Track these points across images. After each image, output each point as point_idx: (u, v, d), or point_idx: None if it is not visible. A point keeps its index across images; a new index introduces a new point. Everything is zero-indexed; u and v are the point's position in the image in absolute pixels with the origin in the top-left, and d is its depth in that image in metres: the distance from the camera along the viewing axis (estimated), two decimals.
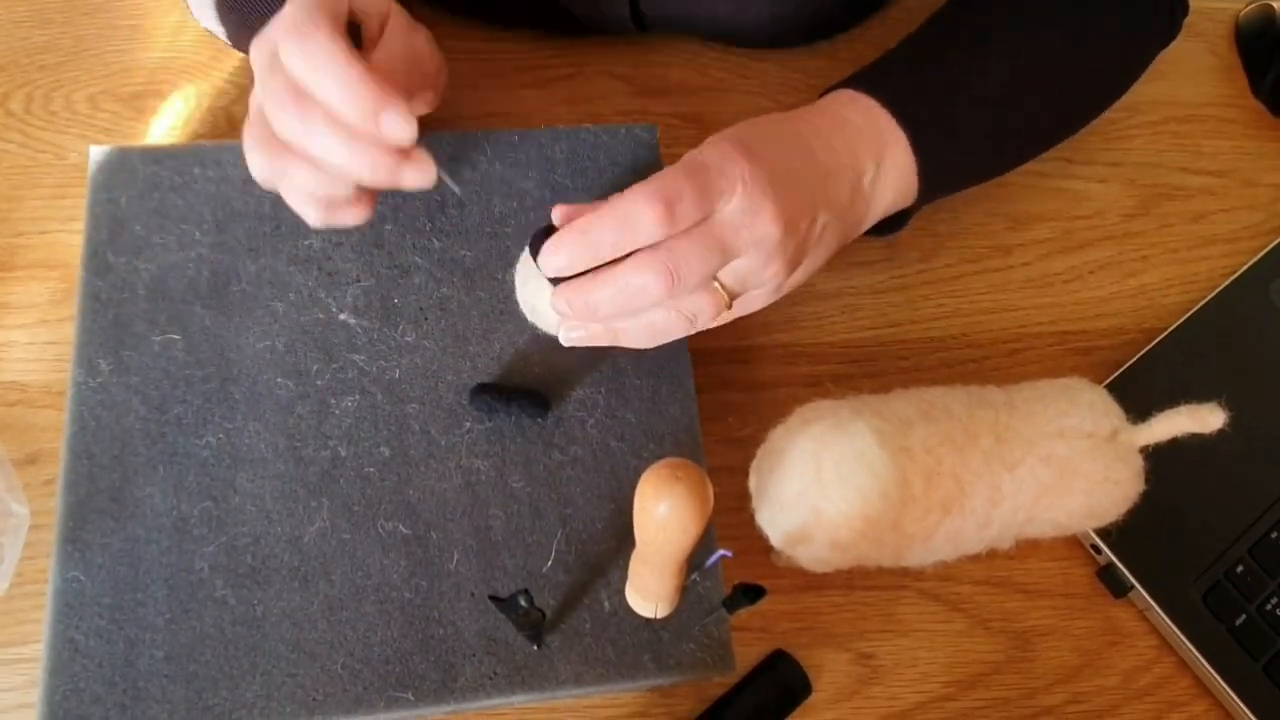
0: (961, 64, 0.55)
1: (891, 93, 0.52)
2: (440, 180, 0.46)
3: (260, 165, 0.46)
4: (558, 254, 0.44)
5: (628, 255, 0.44)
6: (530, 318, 0.53)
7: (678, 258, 0.43)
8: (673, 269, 0.43)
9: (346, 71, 0.42)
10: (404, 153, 0.45)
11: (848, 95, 0.52)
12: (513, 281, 0.54)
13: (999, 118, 0.56)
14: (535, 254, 0.45)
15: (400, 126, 0.43)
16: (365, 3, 0.47)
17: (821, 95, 0.54)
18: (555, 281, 0.46)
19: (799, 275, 0.49)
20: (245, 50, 0.57)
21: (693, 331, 0.48)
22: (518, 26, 0.66)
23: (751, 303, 0.49)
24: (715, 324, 0.48)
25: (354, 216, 0.48)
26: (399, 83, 0.46)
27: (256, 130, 0.46)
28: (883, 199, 0.52)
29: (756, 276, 0.47)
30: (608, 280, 0.44)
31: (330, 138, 0.43)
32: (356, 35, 0.46)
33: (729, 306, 0.47)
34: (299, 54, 0.42)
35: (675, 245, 0.43)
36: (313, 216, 0.48)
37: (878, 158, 0.51)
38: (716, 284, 0.46)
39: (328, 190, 0.46)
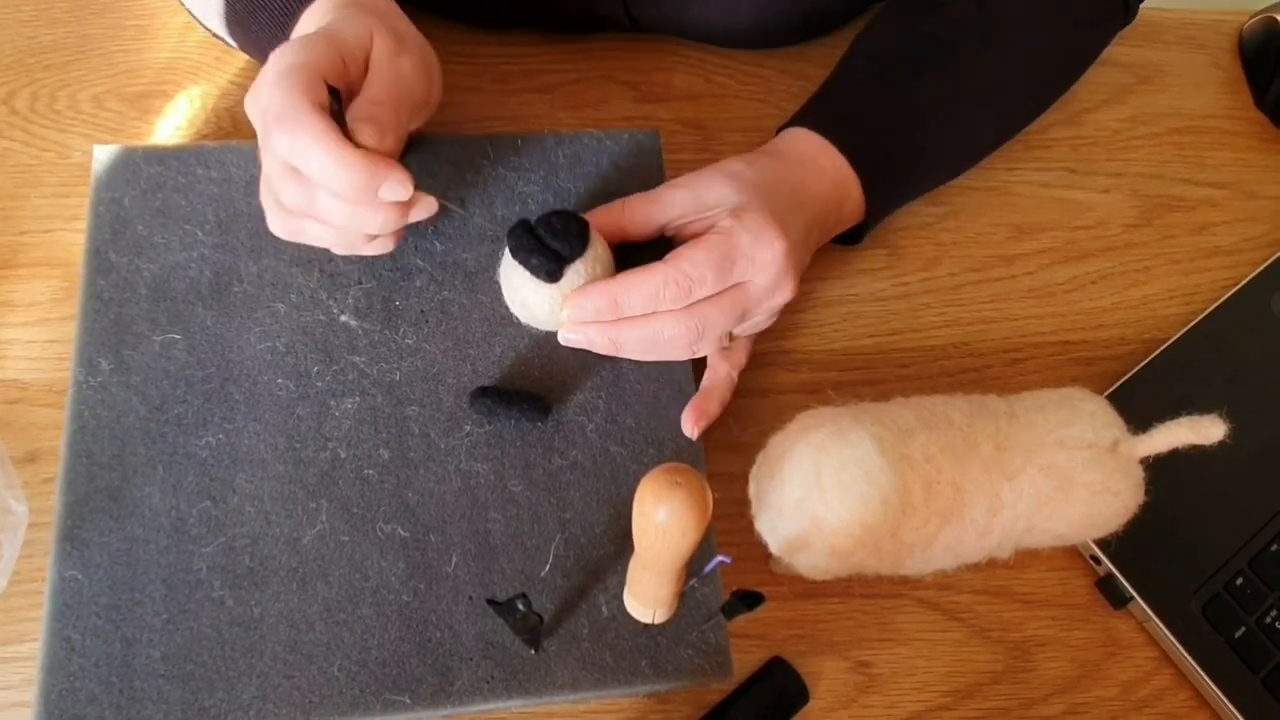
0: (908, 99, 0.59)
1: (847, 140, 0.57)
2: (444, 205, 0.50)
3: (279, 226, 0.49)
4: (585, 305, 0.50)
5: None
6: (518, 313, 0.53)
7: (705, 321, 0.50)
8: (699, 328, 0.50)
9: (336, 159, 0.44)
10: (405, 203, 0.47)
11: (815, 140, 0.57)
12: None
13: (943, 147, 0.61)
14: (515, 253, 0.49)
15: (398, 191, 0.45)
16: (346, 41, 0.47)
17: (781, 130, 0.59)
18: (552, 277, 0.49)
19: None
20: (254, 56, 0.57)
21: (693, 358, 0.54)
22: (511, 28, 0.66)
23: (747, 343, 0.57)
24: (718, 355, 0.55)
25: (378, 248, 0.51)
26: (390, 119, 0.47)
27: (270, 194, 0.48)
28: (839, 230, 0.59)
29: (757, 325, 0.55)
30: (639, 326, 0.50)
31: (334, 208, 0.46)
32: (338, 97, 0.47)
33: (730, 342, 0.54)
34: (287, 144, 0.44)
35: (705, 312, 0.50)
36: (339, 252, 0.51)
37: (842, 200, 0.57)
38: None
39: (345, 240, 0.49)
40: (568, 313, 0.50)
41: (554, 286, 0.50)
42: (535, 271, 0.49)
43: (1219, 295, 0.64)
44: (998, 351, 0.61)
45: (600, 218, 0.53)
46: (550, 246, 0.49)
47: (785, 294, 0.52)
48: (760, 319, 0.54)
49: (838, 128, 0.57)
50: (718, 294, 0.50)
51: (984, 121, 0.62)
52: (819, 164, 0.56)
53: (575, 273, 0.49)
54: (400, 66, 0.49)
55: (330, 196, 0.46)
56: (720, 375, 0.55)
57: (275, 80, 0.44)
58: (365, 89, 0.48)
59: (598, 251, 0.50)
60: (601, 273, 0.51)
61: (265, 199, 0.49)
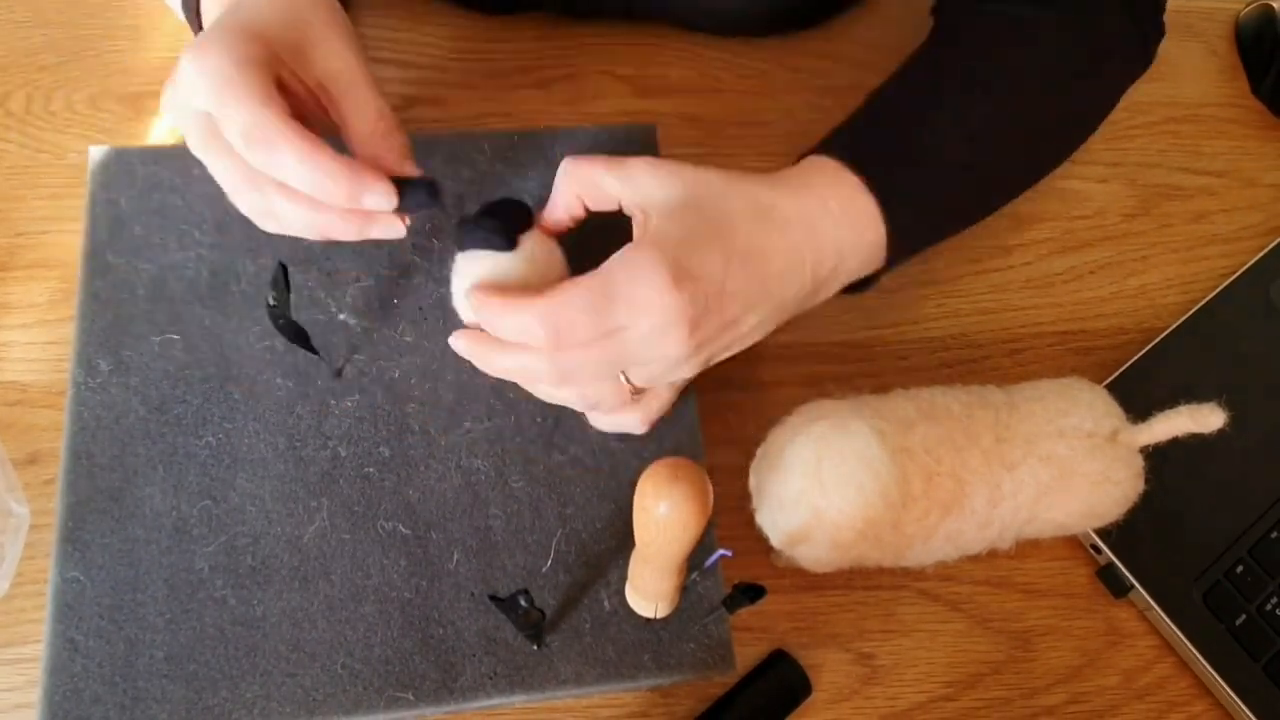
0: (936, 130, 0.52)
1: (874, 173, 0.49)
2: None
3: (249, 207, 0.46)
4: (468, 307, 0.46)
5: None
6: (461, 313, 0.49)
7: (569, 366, 0.44)
8: (563, 373, 0.45)
9: (314, 161, 0.41)
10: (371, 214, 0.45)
11: (833, 171, 0.49)
12: None
13: (971, 184, 0.54)
14: (460, 243, 0.46)
15: (383, 202, 0.43)
16: (270, 28, 0.44)
17: (803, 156, 0.51)
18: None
19: (721, 358, 0.49)
20: None
21: (598, 412, 0.50)
22: (505, 12, 0.66)
23: (661, 390, 0.50)
24: (626, 408, 0.50)
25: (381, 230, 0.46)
26: (396, 129, 0.46)
27: (232, 173, 0.44)
28: (843, 279, 0.51)
29: (664, 377, 0.47)
30: (508, 353, 0.46)
31: (296, 212, 0.44)
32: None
33: (635, 394, 0.48)
34: (265, 159, 0.42)
35: (569, 356, 0.44)
36: (312, 236, 0.47)
37: (848, 245, 0.49)
38: (621, 376, 0.46)
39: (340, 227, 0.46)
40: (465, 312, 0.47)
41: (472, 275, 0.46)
42: (460, 243, 0.46)
43: (1217, 284, 0.64)
44: (996, 342, 0.61)
45: (559, 195, 0.49)
46: (482, 226, 0.46)
47: (675, 344, 0.44)
48: (657, 369, 0.46)
49: (860, 158, 0.49)
50: (591, 340, 0.43)
51: (1012, 156, 0.56)
52: (824, 200, 0.48)
53: (497, 265, 0.46)
54: (362, 62, 0.46)
55: (292, 202, 0.44)
56: (625, 425, 0.51)
57: (220, 87, 0.41)
58: (353, 105, 0.45)
59: (527, 248, 0.46)
60: (530, 273, 0.46)
61: (225, 180, 0.45)
